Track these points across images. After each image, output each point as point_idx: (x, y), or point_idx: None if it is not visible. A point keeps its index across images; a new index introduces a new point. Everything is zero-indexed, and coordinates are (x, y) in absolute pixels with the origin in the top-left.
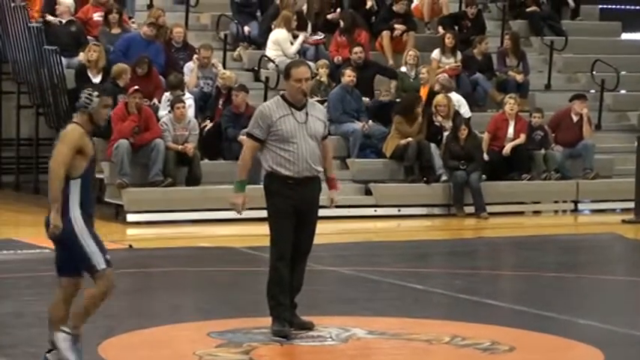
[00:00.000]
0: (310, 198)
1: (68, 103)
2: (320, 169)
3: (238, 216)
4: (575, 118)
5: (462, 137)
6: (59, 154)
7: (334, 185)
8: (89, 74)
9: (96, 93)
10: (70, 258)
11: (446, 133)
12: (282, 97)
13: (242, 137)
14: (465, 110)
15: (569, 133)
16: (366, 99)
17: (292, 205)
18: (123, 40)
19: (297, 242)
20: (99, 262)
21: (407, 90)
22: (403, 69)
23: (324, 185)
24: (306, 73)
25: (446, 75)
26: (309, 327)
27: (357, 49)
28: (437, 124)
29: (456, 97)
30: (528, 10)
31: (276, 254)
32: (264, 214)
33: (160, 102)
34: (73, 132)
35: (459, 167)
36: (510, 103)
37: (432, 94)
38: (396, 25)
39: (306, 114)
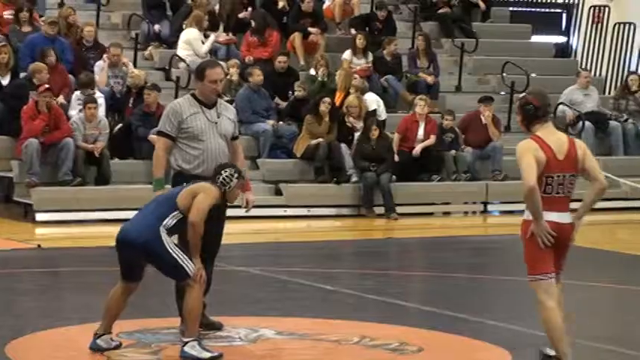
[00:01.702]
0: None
1: None
2: None
3: None
4: (484, 120)
5: (373, 138)
6: (202, 210)
7: (248, 187)
8: None
9: (237, 175)
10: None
11: (357, 134)
12: (193, 95)
13: (152, 137)
14: (381, 110)
15: (479, 135)
16: (281, 102)
17: None
18: (28, 41)
19: (205, 243)
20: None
21: (317, 93)
22: (313, 72)
23: None
24: (221, 74)
25: (358, 77)
26: (217, 327)
27: (281, 57)
28: (348, 124)
29: (374, 98)
30: (439, 11)
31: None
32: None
33: (66, 100)
34: (214, 193)
35: (369, 168)
36: (421, 104)
37: (346, 96)
38: (310, 29)
39: (217, 113)
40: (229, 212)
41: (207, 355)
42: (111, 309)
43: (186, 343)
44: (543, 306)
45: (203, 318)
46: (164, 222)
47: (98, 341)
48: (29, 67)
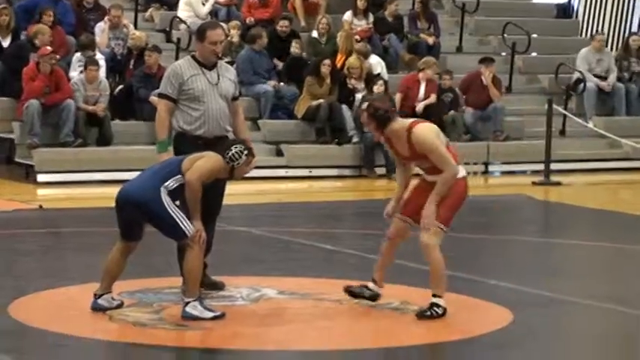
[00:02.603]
0: None
1: None
2: (229, 128)
3: None
4: (485, 81)
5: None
6: (199, 170)
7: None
8: None
9: (246, 152)
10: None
11: (358, 95)
12: (193, 57)
13: (153, 98)
14: (384, 73)
15: (480, 96)
16: (279, 63)
17: None
18: (30, 2)
19: (207, 203)
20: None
21: (320, 53)
22: (315, 34)
23: None
24: (221, 35)
25: (360, 39)
26: (219, 287)
27: (282, 22)
28: (350, 86)
29: (377, 60)
30: None
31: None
32: None
33: (65, 61)
34: (219, 162)
35: None
36: (434, 69)
37: (347, 58)
38: None
39: (217, 74)
40: None
41: (210, 314)
42: (110, 269)
43: (188, 303)
44: (437, 250)
45: (205, 278)
46: (165, 184)
47: (99, 301)
48: (31, 29)
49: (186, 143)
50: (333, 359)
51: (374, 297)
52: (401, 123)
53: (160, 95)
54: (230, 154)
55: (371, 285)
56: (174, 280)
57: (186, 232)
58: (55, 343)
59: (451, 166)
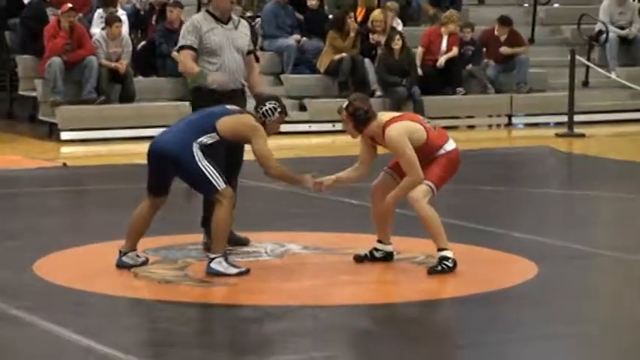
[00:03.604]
0: None
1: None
2: (244, 82)
3: None
4: (502, 38)
5: (397, 49)
6: (268, 157)
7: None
8: None
9: (279, 109)
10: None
11: (380, 49)
12: (207, 11)
13: (175, 54)
14: (396, 24)
15: (499, 50)
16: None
17: None
18: None
19: (229, 159)
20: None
21: (341, 6)
22: None
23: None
24: None
25: None
26: (244, 242)
27: None
28: (372, 41)
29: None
30: None
31: None
32: None
33: (87, 18)
34: (260, 131)
35: (400, 83)
36: (456, 22)
37: (367, 12)
38: None
39: (233, 27)
40: None
41: (234, 270)
42: (136, 226)
43: (213, 259)
44: (426, 204)
45: (230, 234)
46: (199, 139)
47: (124, 258)
48: None
49: (202, 97)
50: (358, 314)
51: (386, 256)
52: (378, 121)
53: (182, 47)
54: (263, 109)
55: (379, 245)
56: (199, 236)
57: (217, 186)
58: (79, 300)
59: (416, 172)
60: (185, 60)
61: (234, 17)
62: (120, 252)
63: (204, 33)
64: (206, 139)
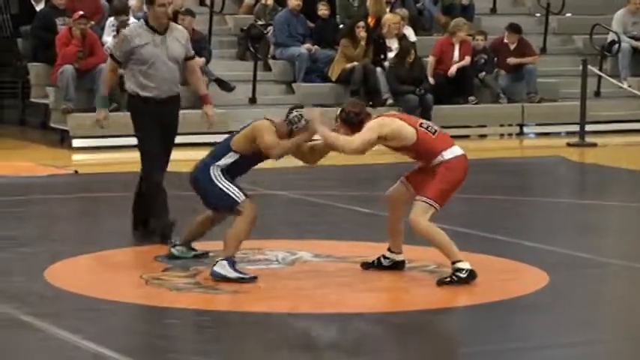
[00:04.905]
0: (171, 115)
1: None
2: (178, 89)
3: (183, 140)
4: (511, 47)
5: (410, 61)
6: (273, 146)
7: (207, 101)
8: (32, 2)
9: (305, 117)
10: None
11: (391, 54)
12: (145, 21)
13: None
14: (409, 33)
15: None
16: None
17: (157, 123)
18: None
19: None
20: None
21: (351, 17)
22: None
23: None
24: None
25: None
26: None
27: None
28: (382, 42)
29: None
30: None
31: (148, 169)
32: (207, 138)
33: (99, 26)
34: (265, 125)
35: (414, 92)
36: (465, 29)
37: (377, 21)
38: None
39: (168, 38)
40: None
41: (235, 275)
42: (193, 226)
43: (217, 262)
44: (425, 224)
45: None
46: (218, 162)
47: (172, 250)
48: None
49: (138, 105)
50: (368, 322)
51: (395, 265)
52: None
53: (111, 55)
54: (290, 117)
55: (388, 254)
56: (211, 244)
57: (237, 199)
58: (90, 307)
59: (347, 145)
60: (105, 69)
61: (172, 26)
62: (171, 244)
63: (137, 46)
64: (224, 161)
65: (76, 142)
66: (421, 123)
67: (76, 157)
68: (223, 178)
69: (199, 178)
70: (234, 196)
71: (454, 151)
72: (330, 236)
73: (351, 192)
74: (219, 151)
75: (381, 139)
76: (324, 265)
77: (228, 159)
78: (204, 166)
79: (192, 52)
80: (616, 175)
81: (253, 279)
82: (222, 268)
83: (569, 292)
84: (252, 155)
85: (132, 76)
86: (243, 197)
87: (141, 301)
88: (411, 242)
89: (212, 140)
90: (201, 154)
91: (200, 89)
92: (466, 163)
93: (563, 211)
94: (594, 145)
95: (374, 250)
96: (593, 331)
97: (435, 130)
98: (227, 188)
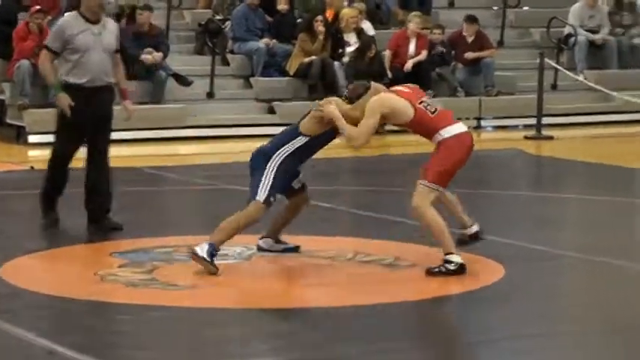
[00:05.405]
0: (103, 104)
1: None
2: (111, 79)
3: (140, 136)
4: (469, 39)
5: (371, 56)
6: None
7: (127, 96)
8: None
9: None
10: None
11: (349, 49)
12: (79, 12)
13: (146, 56)
14: (367, 27)
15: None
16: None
17: (86, 114)
18: None
19: (95, 144)
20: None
21: (309, 11)
22: None
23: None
24: None
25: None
26: (119, 228)
27: None
28: (340, 36)
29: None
30: None
31: (55, 160)
32: (165, 134)
33: (55, 20)
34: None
35: None
36: (416, 21)
37: (336, 15)
38: None
39: (101, 28)
40: (222, 132)
41: (208, 259)
42: (275, 218)
43: (202, 244)
44: (428, 211)
45: (107, 220)
46: (284, 147)
47: (260, 242)
48: None
49: (71, 93)
50: (321, 316)
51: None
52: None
53: (46, 47)
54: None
55: (464, 231)
56: (166, 239)
57: (258, 195)
58: (44, 304)
59: (354, 134)
60: (44, 62)
61: (104, 18)
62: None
63: (72, 35)
64: (290, 146)
65: (32, 138)
66: (422, 101)
67: (32, 153)
68: (273, 173)
69: (254, 160)
70: (260, 192)
71: (453, 130)
72: (288, 230)
73: (309, 186)
74: (284, 138)
75: (382, 117)
76: (280, 260)
77: (297, 142)
78: (265, 153)
79: (119, 46)
80: (572, 167)
81: (215, 272)
82: (202, 250)
83: (526, 284)
84: (322, 135)
85: (65, 64)
86: (264, 198)
87: (96, 297)
88: (367, 236)
89: (167, 136)
90: (158, 149)
91: (121, 83)
92: (468, 141)
93: (520, 203)
94: (551, 138)
95: (331, 244)
96: (550, 323)
97: (435, 109)
98: (263, 183)
